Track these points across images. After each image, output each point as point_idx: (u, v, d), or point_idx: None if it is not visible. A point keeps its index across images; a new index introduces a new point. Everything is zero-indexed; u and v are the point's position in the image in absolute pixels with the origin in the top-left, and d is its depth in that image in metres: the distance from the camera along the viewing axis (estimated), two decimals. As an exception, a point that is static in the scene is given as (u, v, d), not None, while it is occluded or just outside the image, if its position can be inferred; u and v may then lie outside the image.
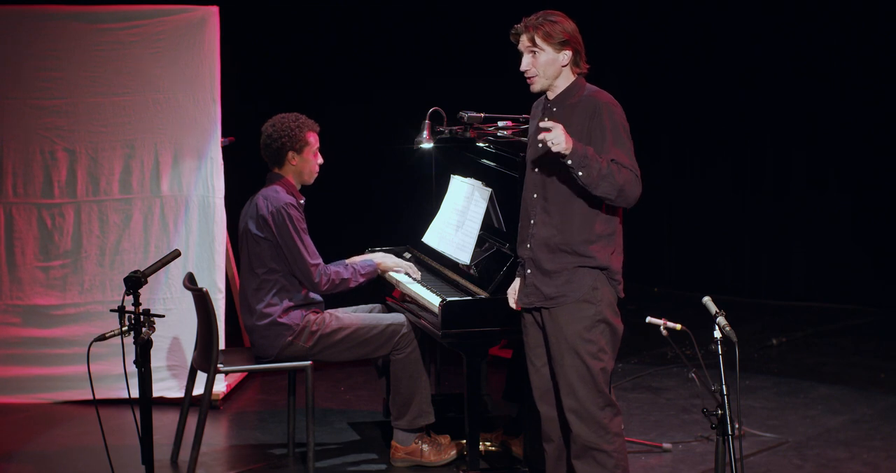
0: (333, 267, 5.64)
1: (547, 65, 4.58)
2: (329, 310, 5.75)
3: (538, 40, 4.56)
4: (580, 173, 4.43)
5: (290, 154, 5.67)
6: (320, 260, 5.61)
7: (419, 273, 5.80)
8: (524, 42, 4.60)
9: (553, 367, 4.70)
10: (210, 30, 6.60)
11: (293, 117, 5.70)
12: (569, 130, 4.47)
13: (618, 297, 4.70)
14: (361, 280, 5.71)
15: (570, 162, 4.42)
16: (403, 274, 5.80)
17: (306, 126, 5.69)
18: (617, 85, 4.72)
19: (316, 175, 5.76)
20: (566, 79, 4.63)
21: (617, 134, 4.55)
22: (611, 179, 4.45)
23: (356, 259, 5.87)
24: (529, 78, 4.63)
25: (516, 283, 4.86)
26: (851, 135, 8.77)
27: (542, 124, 4.43)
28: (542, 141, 4.41)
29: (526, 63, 4.61)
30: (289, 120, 5.68)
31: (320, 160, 5.76)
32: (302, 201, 5.70)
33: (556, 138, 4.37)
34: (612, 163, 4.46)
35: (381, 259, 5.86)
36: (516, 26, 4.62)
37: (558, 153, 4.40)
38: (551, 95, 4.67)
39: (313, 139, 5.71)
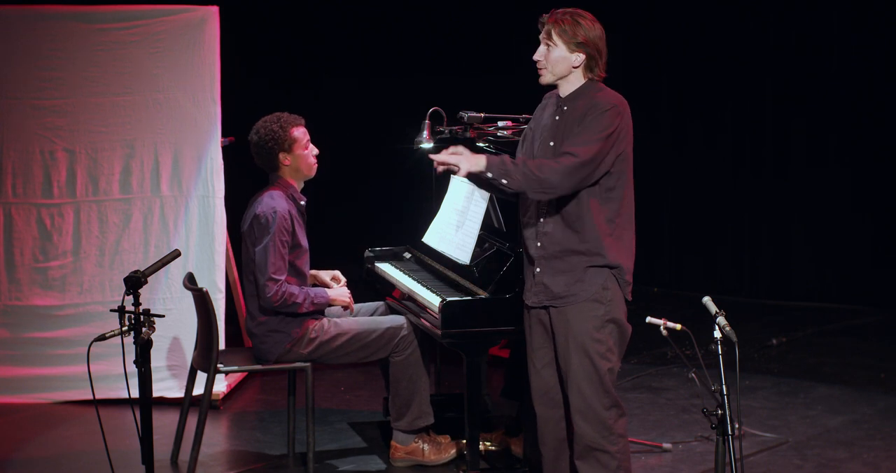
0: (292, 288, 5.52)
1: (556, 61, 4.56)
2: (328, 316, 5.73)
3: (554, 35, 4.54)
4: (504, 181, 4.49)
5: (281, 155, 5.60)
6: (283, 277, 5.49)
7: (354, 307, 5.77)
8: (544, 32, 4.59)
9: (559, 366, 4.68)
10: (210, 30, 6.60)
11: (274, 118, 5.62)
12: (572, 128, 4.52)
13: (626, 299, 4.68)
14: (312, 308, 5.57)
15: (490, 175, 4.49)
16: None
17: (289, 123, 5.60)
18: (616, 87, 4.69)
19: (315, 166, 5.68)
20: (577, 80, 4.60)
21: (588, 129, 4.51)
22: (531, 177, 4.48)
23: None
24: (538, 69, 4.62)
25: None
26: (852, 134, 8.76)
27: (440, 158, 4.57)
28: (444, 167, 4.58)
29: (539, 53, 4.59)
30: (270, 122, 5.60)
31: (315, 151, 5.67)
32: (303, 202, 5.65)
33: (460, 163, 4.52)
34: (526, 162, 4.51)
35: (334, 292, 5.72)
36: (544, 15, 4.60)
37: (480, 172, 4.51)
38: (562, 94, 4.66)
39: (299, 133, 5.62)
